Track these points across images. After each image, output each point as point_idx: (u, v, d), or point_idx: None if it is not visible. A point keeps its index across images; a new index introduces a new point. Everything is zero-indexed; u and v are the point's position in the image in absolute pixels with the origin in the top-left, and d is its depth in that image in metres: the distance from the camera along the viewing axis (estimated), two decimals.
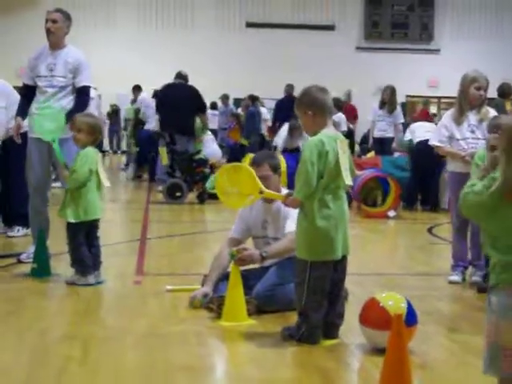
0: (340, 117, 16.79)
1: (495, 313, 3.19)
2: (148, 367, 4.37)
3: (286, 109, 16.51)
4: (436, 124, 16.96)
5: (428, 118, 17.15)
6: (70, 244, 6.53)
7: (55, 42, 7.13)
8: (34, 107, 7.16)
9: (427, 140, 11.44)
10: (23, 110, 7.23)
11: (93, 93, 14.74)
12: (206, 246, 9.03)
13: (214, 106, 21.46)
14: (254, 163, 5.66)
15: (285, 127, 14.44)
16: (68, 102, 7.10)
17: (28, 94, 7.22)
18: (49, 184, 7.34)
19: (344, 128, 16.28)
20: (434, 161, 11.97)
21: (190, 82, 14.07)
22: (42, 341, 4.89)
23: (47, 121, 6.76)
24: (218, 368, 4.68)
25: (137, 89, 18.13)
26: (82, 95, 7.10)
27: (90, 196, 6.48)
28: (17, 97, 8.37)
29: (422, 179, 12.28)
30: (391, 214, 11.62)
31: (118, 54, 22.30)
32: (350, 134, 16.16)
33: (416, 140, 12.41)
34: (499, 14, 24.97)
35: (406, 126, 14.42)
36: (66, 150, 6.85)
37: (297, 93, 5.26)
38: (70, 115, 6.82)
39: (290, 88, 17.83)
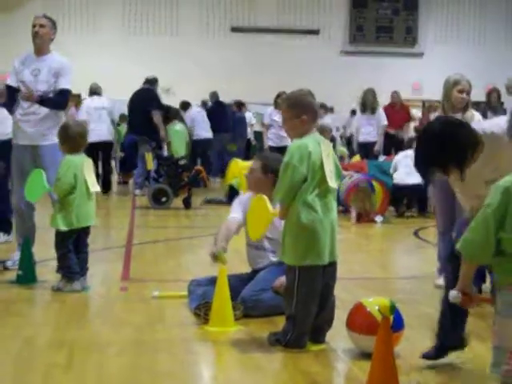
0: (333, 118, 17.12)
1: (499, 313, 3.22)
2: (134, 375, 4.36)
3: (217, 114, 17.16)
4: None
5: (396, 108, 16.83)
6: (58, 250, 6.51)
7: (41, 46, 7.12)
8: (18, 113, 7.14)
9: (409, 186, 11.56)
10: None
11: (105, 102, 15.34)
12: (192, 251, 9.02)
13: None
14: (256, 156, 5.99)
15: None
16: None
17: (14, 95, 7.18)
18: None
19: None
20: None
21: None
22: (27, 348, 4.86)
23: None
24: (205, 375, 4.66)
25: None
26: (60, 95, 7.09)
27: (79, 202, 6.46)
28: None
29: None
30: (378, 219, 11.61)
31: (103, 60, 22.23)
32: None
33: (395, 180, 11.94)
34: (482, 19, 25.06)
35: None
36: (50, 158, 6.88)
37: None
38: (43, 101, 6.94)
39: (215, 95, 18.75)
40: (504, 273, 3.29)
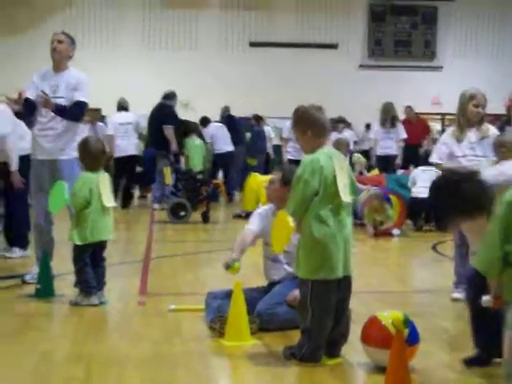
0: (351, 133, 17.11)
1: (509, 327, 3.23)
2: None
3: (229, 128, 17.76)
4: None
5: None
6: (75, 264, 6.57)
7: (59, 61, 7.20)
8: (36, 129, 7.23)
9: (427, 200, 11.35)
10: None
11: (131, 117, 15.64)
12: (210, 265, 9.03)
13: None
14: (275, 168, 5.98)
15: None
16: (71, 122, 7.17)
17: (32, 108, 7.24)
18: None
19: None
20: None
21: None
22: (45, 362, 4.90)
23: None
24: None
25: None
26: (76, 107, 7.13)
27: (94, 217, 6.51)
28: (15, 120, 8.55)
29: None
30: (395, 232, 11.59)
31: (123, 76, 22.33)
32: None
33: (414, 194, 11.91)
34: (501, 33, 25.00)
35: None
36: (68, 172, 6.95)
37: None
38: (59, 110, 6.99)
39: (226, 109, 18.98)
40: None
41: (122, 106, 15.95)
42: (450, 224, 4.27)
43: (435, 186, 4.25)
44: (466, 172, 4.42)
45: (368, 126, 20.99)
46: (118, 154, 15.53)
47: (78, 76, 7.24)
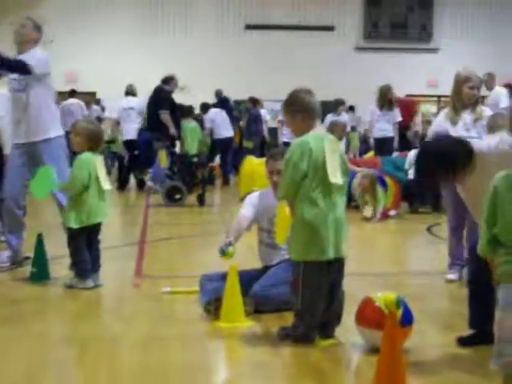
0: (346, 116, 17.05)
1: (499, 307, 3.27)
2: (145, 369, 4.39)
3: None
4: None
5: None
6: (70, 247, 6.56)
7: (20, 44, 7.14)
8: (16, 114, 7.18)
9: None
10: None
11: (134, 102, 15.64)
12: (206, 248, 9.04)
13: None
14: (271, 157, 5.71)
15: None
16: (41, 93, 7.09)
17: None
18: (23, 194, 7.28)
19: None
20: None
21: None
22: (40, 344, 4.91)
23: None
24: (215, 369, 4.69)
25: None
26: (17, 60, 6.94)
27: (91, 200, 6.50)
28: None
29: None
30: (392, 213, 11.61)
31: (118, 60, 22.27)
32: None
33: (410, 176, 11.71)
34: (498, 14, 24.99)
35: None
36: (50, 152, 6.92)
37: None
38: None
39: (219, 93, 19.21)
40: (502, 265, 3.35)
41: (128, 92, 16.28)
42: (432, 185, 4.45)
43: (420, 151, 4.38)
44: (451, 137, 4.56)
45: (351, 108, 20.92)
46: (120, 137, 16.30)
47: (36, 52, 7.12)
